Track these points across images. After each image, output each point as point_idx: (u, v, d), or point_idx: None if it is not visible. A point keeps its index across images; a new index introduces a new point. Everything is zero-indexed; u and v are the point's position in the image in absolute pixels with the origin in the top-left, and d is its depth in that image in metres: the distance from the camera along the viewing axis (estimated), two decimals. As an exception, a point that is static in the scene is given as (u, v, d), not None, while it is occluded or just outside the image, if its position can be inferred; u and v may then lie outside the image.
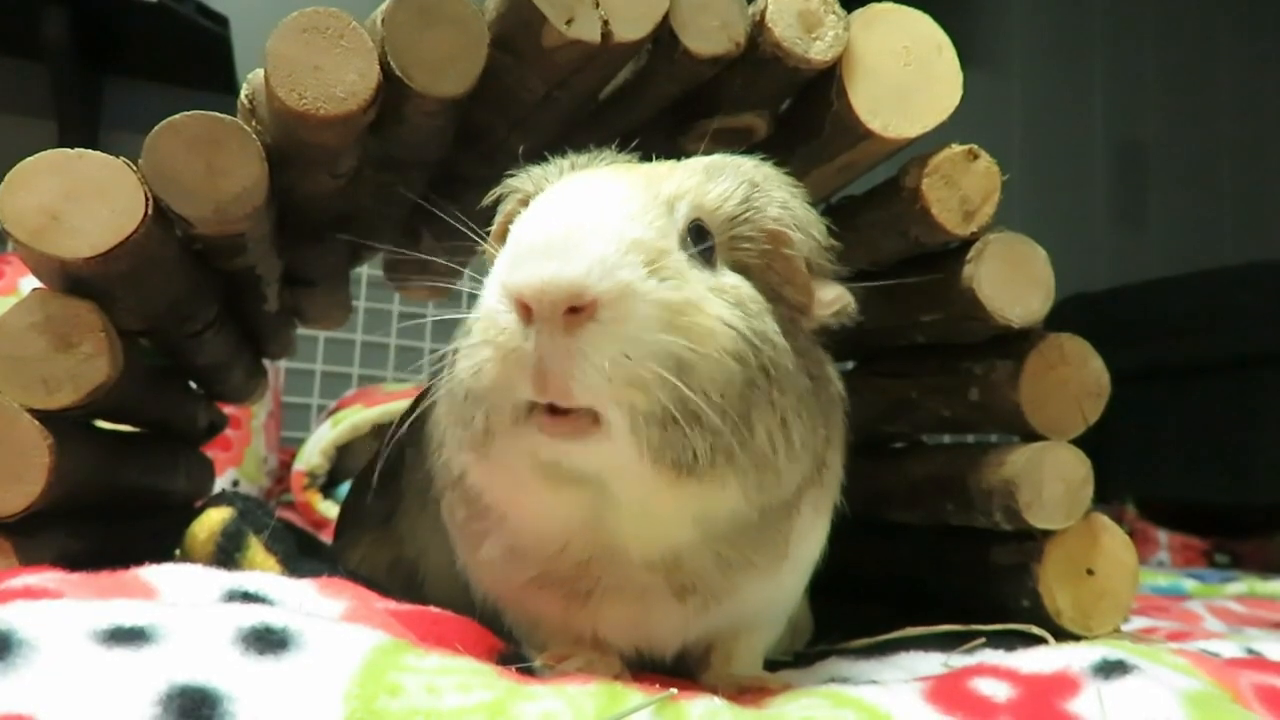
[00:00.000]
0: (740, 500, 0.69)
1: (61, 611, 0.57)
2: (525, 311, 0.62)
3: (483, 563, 0.78)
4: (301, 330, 1.58)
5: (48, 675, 0.51)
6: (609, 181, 0.70)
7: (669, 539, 0.71)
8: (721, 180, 0.74)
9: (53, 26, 2.38)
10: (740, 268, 0.73)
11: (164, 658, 0.54)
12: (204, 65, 2.58)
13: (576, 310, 0.61)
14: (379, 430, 2.42)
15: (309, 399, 3.02)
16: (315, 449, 2.47)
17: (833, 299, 0.76)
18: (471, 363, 0.65)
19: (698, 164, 0.75)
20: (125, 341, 0.84)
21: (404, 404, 0.79)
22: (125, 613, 0.57)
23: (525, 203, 0.76)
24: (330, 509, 2.36)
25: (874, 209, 1.00)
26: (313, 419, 2.90)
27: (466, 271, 0.78)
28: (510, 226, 0.71)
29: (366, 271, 2.84)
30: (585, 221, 0.64)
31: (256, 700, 0.52)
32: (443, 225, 1.14)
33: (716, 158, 0.76)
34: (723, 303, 0.67)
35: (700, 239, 0.70)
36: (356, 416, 2.49)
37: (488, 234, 0.81)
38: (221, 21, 2.55)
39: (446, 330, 0.70)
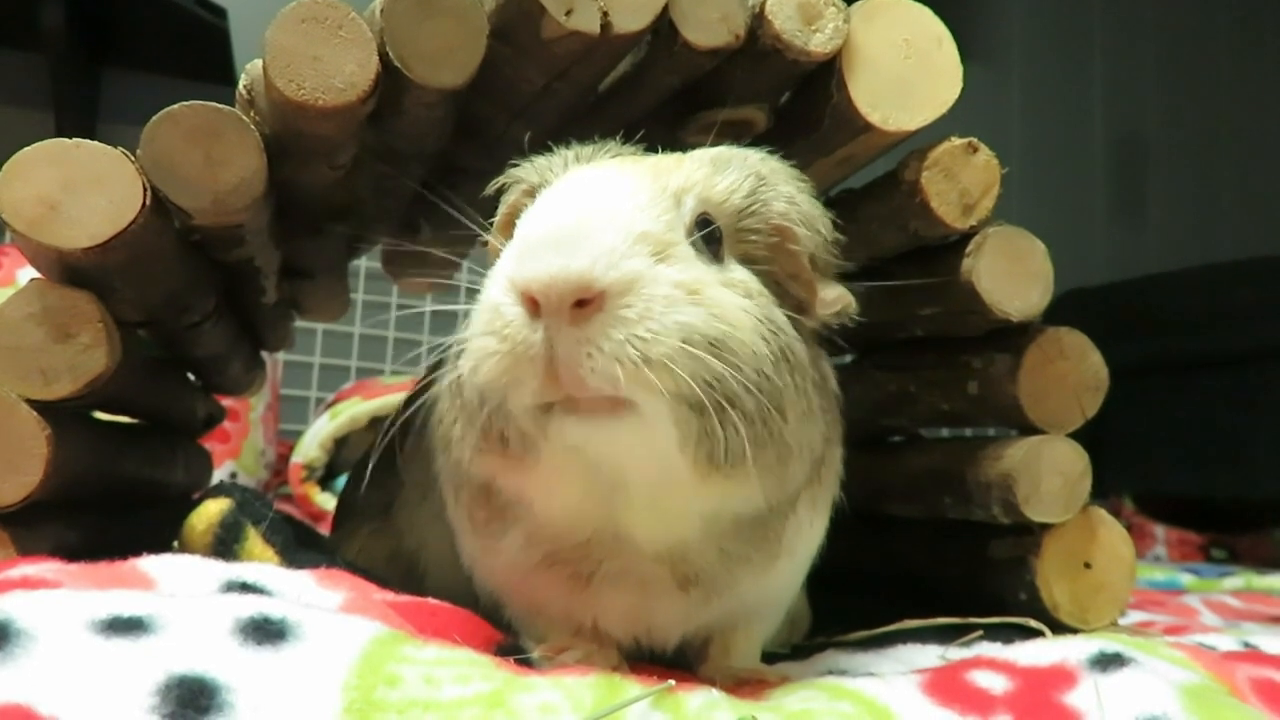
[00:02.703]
0: (759, 496, 0.69)
1: (60, 601, 0.57)
2: (532, 305, 0.61)
3: (495, 552, 0.78)
4: (300, 323, 1.58)
5: (46, 665, 0.51)
6: (616, 174, 0.70)
7: (676, 533, 0.71)
8: (728, 173, 0.74)
9: (50, 17, 2.37)
10: (747, 261, 0.73)
11: (162, 648, 0.54)
12: (202, 56, 2.57)
13: (585, 303, 0.61)
14: (377, 422, 2.42)
15: (307, 391, 3.02)
16: (313, 441, 2.47)
17: (834, 298, 0.76)
18: (473, 357, 0.65)
19: (704, 156, 0.75)
20: (123, 332, 0.83)
21: (402, 396, 0.79)
22: (124, 603, 0.58)
23: (530, 193, 0.76)
24: (328, 501, 2.36)
25: (873, 202, 1.00)
26: (311, 411, 2.90)
27: (465, 263, 0.78)
28: (515, 217, 0.71)
29: (365, 264, 2.83)
30: (593, 214, 0.64)
31: (255, 690, 0.52)
32: (442, 217, 1.14)
33: (722, 150, 0.76)
34: (733, 293, 0.68)
35: (708, 232, 0.70)
36: (355, 409, 2.49)
37: (489, 225, 0.81)
38: (219, 13, 2.55)
39: (445, 323, 0.70)
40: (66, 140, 0.78)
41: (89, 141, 0.79)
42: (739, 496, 0.69)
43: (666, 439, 0.63)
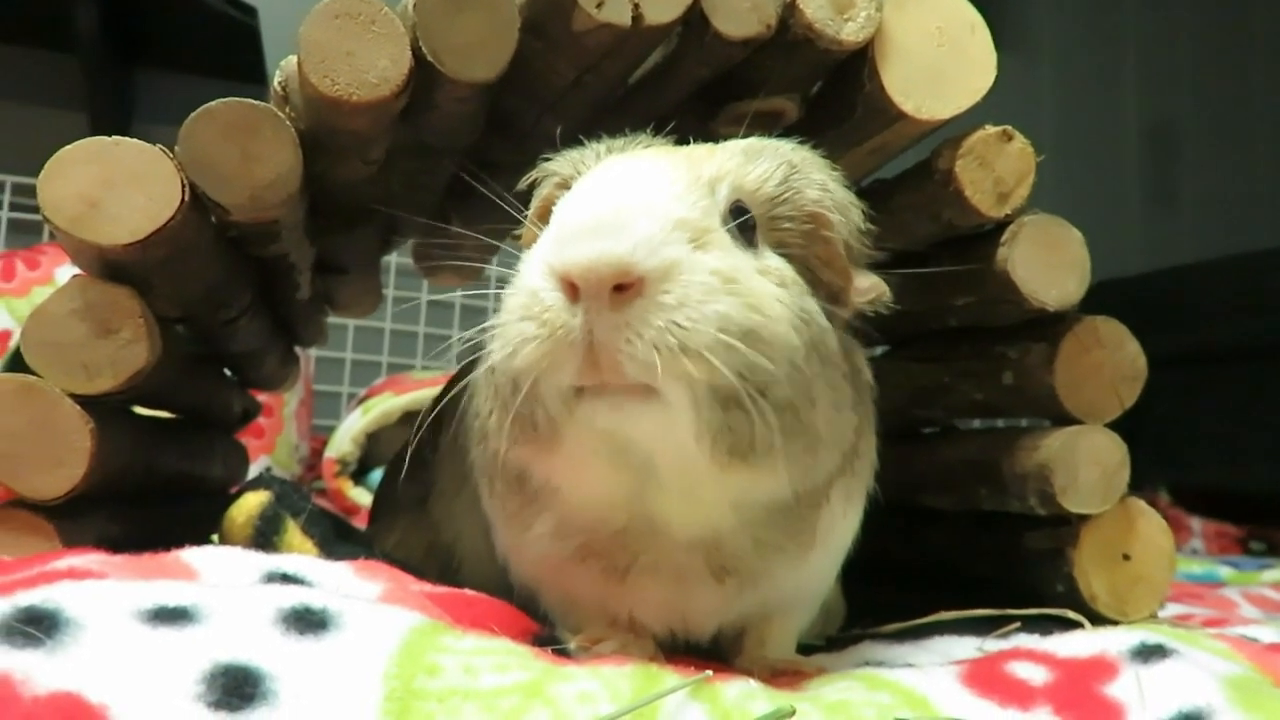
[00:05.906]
0: (785, 486, 0.69)
1: (106, 591, 0.58)
2: (571, 290, 0.62)
3: (527, 542, 0.78)
4: (331, 318, 1.59)
5: (95, 653, 0.52)
6: (652, 163, 0.71)
7: (709, 521, 0.71)
8: (760, 162, 0.74)
9: (84, 19, 2.41)
10: (780, 249, 0.73)
11: (207, 637, 0.55)
12: (233, 56, 2.60)
13: (624, 288, 0.61)
14: (409, 417, 2.44)
15: (339, 387, 3.04)
16: (346, 436, 2.50)
17: (869, 287, 0.76)
18: (507, 341, 0.65)
19: (736, 146, 0.75)
20: (162, 328, 0.85)
21: (434, 391, 0.80)
22: (168, 593, 0.58)
23: (563, 186, 0.77)
24: (361, 496, 2.39)
25: (906, 192, 1.00)
26: (343, 407, 2.93)
27: (500, 249, 0.78)
28: (549, 209, 0.71)
29: (395, 260, 2.85)
30: (631, 201, 0.64)
31: (298, 679, 0.53)
32: (473, 211, 1.15)
33: (754, 140, 0.77)
34: (768, 281, 0.68)
35: (742, 220, 0.70)
36: (386, 404, 2.51)
37: (522, 215, 0.81)
38: (250, 12, 2.57)
39: (475, 318, 0.70)
40: (106, 138, 0.80)
41: (128, 139, 0.80)
42: (764, 486, 0.68)
43: (685, 429, 0.63)
